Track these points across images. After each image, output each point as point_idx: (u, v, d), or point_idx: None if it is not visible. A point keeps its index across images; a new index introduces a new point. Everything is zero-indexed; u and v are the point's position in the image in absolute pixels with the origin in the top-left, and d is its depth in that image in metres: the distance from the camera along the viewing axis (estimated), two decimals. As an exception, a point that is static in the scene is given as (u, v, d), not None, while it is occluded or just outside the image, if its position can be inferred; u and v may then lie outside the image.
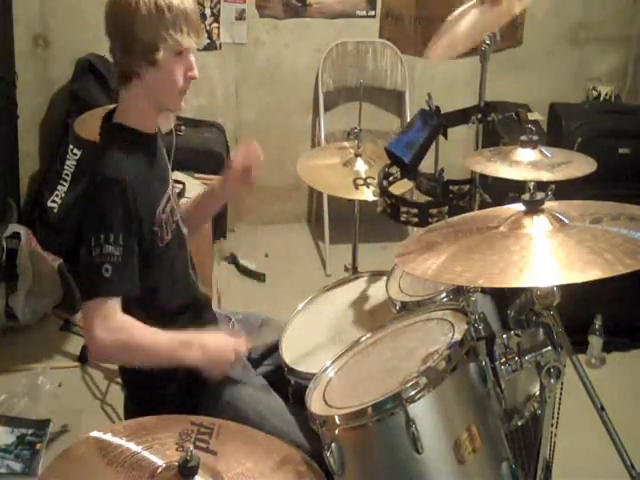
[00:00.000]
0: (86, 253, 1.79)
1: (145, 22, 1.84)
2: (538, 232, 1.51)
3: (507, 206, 1.69)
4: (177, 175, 3.30)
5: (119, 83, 1.94)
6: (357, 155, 2.68)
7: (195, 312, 2.08)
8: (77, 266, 1.85)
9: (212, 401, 1.99)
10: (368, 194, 2.55)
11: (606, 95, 4.34)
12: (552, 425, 1.68)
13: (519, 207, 1.59)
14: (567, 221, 1.52)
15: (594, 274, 1.34)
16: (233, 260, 4.05)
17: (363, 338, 1.88)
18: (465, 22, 2.38)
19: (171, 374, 1.96)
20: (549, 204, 1.59)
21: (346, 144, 2.77)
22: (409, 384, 1.55)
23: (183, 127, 3.77)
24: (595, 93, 4.36)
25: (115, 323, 1.78)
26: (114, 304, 1.79)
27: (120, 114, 1.96)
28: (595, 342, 3.22)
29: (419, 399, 1.55)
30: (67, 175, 3.84)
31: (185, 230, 2.08)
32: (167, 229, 1.96)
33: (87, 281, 1.82)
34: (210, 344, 1.86)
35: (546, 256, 1.45)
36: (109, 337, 1.78)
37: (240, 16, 4.15)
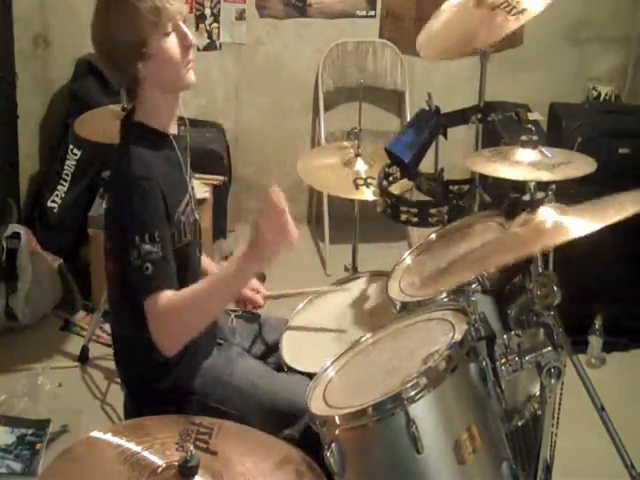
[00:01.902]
0: (126, 259, 1.78)
1: (122, 22, 1.80)
2: (549, 216, 1.59)
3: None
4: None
5: (130, 99, 1.93)
6: (357, 155, 2.68)
7: None
8: (119, 271, 1.85)
9: (206, 382, 2.00)
10: (368, 194, 2.55)
11: (606, 95, 4.34)
12: (552, 425, 1.68)
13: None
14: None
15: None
16: (233, 260, 4.05)
17: (363, 338, 1.88)
18: (459, 23, 2.36)
19: (168, 369, 1.97)
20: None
21: (346, 144, 2.77)
22: (409, 384, 1.55)
23: (183, 127, 3.77)
24: (595, 93, 4.36)
25: (163, 310, 1.76)
26: (161, 297, 1.77)
27: (140, 114, 1.93)
28: (595, 342, 3.21)
29: (419, 399, 1.55)
30: (67, 175, 3.85)
31: (198, 216, 2.07)
32: (185, 230, 1.95)
33: (134, 284, 1.80)
34: (253, 250, 1.78)
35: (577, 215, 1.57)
36: (164, 325, 1.77)
37: (240, 16, 4.15)
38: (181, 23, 1.88)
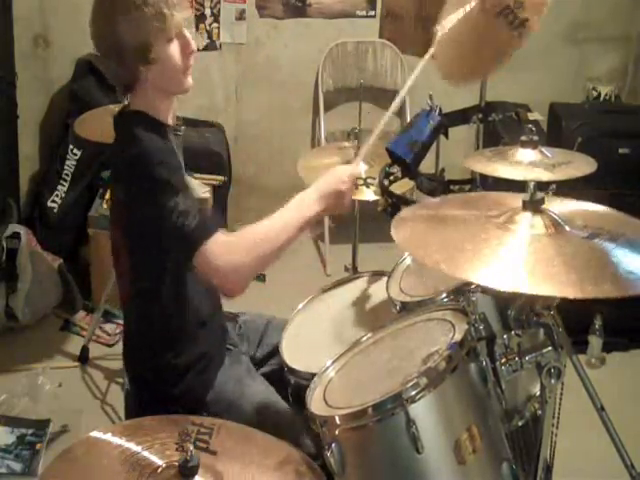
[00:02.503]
0: (167, 224, 1.76)
1: (127, 26, 1.81)
2: (526, 232, 1.50)
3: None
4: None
5: (124, 93, 1.93)
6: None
7: (215, 304, 2.09)
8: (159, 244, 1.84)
9: (216, 400, 1.99)
10: (368, 194, 2.55)
11: (606, 95, 4.34)
12: (552, 425, 1.68)
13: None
14: (566, 227, 1.52)
15: (545, 290, 1.33)
16: (233, 260, 4.05)
17: (363, 338, 1.88)
18: (478, 36, 2.29)
19: (179, 374, 1.97)
20: (557, 204, 1.59)
21: (346, 144, 2.77)
22: (410, 384, 1.55)
23: (183, 127, 3.77)
24: (595, 93, 4.36)
25: (224, 247, 1.77)
26: (213, 241, 1.77)
27: (136, 107, 1.93)
28: (595, 342, 3.20)
29: (419, 399, 1.55)
30: (67, 175, 3.85)
31: None
32: None
33: (182, 244, 1.79)
34: (322, 185, 1.94)
35: (513, 259, 1.44)
36: (230, 260, 1.77)
37: (240, 16, 4.15)
38: (185, 30, 1.88)
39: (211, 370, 2.03)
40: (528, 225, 1.52)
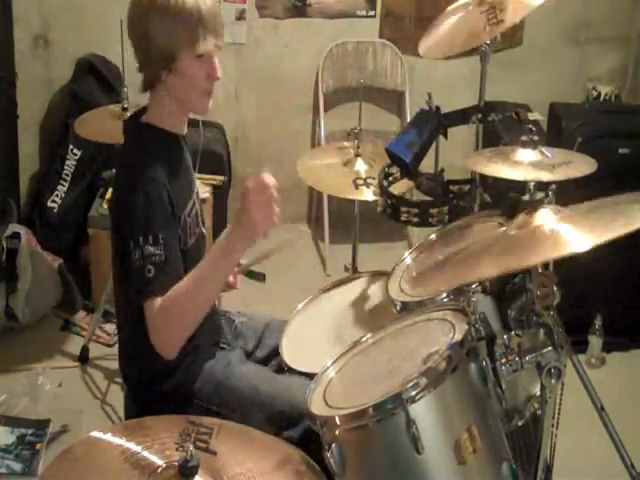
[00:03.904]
0: (128, 257, 1.77)
1: (159, 27, 1.82)
2: (547, 220, 1.55)
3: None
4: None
5: (144, 88, 1.93)
6: (357, 155, 2.68)
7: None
8: (122, 270, 1.85)
9: (207, 385, 2.00)
10: (368, 194, 2.55)
11: (606, 95, 4.34)
12: (552, 425, 1.68)
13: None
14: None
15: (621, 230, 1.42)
16: (233, 260, 4.05)
17: (363, 338, 1.88)
18: (460, 22, 2.38)
19: (170, 371, 1.97)
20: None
21: (346, 144, 2.77)
22: (410, 384, 1.55)
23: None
24: (595, 93, 4.36)
25: (158, 314, 1.76)
26: (158, 302, 1.76)
27: (149, 114, 1.94)
28: (595, 342, 3.22)
29: (420, 399, 1.55)
30: (67, 175, 3.85)
31: (205, 231, 2.08)
32: (190, 233, 1.96)
33: (134, 284, 1.79)
34: (240, 231, 1.76)
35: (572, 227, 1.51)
36: (158, 329, 1.76)
37: (240, 16, 4.15)
38: (215, 56, 1.88)
39: (199, 362, 2.04)
40: (543, 217, 1.56)
